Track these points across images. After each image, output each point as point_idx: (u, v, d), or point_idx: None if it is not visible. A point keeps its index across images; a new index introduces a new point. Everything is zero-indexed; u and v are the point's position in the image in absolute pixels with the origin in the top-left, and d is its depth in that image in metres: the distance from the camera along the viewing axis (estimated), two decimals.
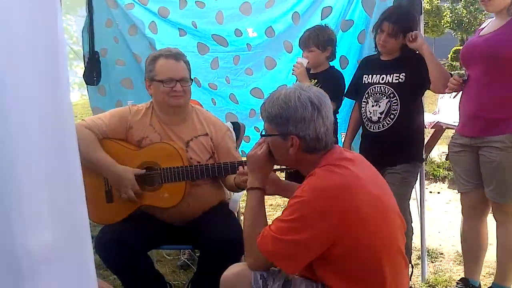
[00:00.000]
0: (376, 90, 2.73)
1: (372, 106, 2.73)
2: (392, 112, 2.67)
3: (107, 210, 2.38)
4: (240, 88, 3.50)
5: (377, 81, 2.73)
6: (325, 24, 2.99)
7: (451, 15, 26.48)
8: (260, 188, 1.83)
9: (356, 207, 1.57)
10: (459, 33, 27.07)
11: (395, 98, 2.66)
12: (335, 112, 2.95)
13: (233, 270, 1.81)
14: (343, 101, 2.99)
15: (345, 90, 2.96)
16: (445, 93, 2.66)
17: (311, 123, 1.63)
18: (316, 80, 2.89)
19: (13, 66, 0.80)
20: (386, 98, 2.68)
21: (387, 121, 2.68)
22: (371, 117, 2.74)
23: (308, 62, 2.90)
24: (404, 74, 2.66)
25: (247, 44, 3.40)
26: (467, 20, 25.90)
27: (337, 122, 3.05)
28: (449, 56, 24.08)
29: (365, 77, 2.80)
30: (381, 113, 2.70)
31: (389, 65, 2.72)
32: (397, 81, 2.67)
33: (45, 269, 0.86)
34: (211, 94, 3.57)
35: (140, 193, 2.33)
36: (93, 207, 2.32)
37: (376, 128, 2.73)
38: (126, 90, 3.61)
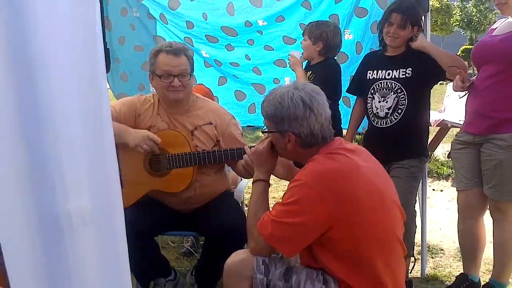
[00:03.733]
0: (382, 86, 2.73)
1: (379, 101, 2.73)
2: (399, 107, 2.68)
3: None
4: (263, 61, 3.54)
5: (383, 77, 2.74)
6: (326, 20, 3.01)
7: (460, 13, 26.26)
8: (265, 180, 1.92)
9: (352, 193, 1.62)
10: (468, 31, 26.88)
11: (403, 93, 2.67)
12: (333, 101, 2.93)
13: (236, 257, 1.85)
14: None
15: (348, 86, 2.98)
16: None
17: (304, 120, 1.72)
18: (310, 72, 2.92)
19: (56, 52, 0.96)
20: (394, 93, 2.69)
21: (394, 116, 2.69)
22: (377, 112, 2.74)
23: (302, 52, 2.93)
24: (410, 69, 2.66)
25: (257, 31, 3.42)
26: (477, 19, 25.69)
27: (340, 113, 3.04)
28: (458, 54, 23.95)
29: (370, 73, 2.80)
30: (388, 109, 2.70)
31: (395, 60, 2.73)
32: (404, 76, 2.68)
33: (82, 230, 0.99)
34: (233, 71, 3.62)
35: (150, 176, 2.39)
36: None
37: (383, 123, 2.73)
38: (147, 73, 3.69)
